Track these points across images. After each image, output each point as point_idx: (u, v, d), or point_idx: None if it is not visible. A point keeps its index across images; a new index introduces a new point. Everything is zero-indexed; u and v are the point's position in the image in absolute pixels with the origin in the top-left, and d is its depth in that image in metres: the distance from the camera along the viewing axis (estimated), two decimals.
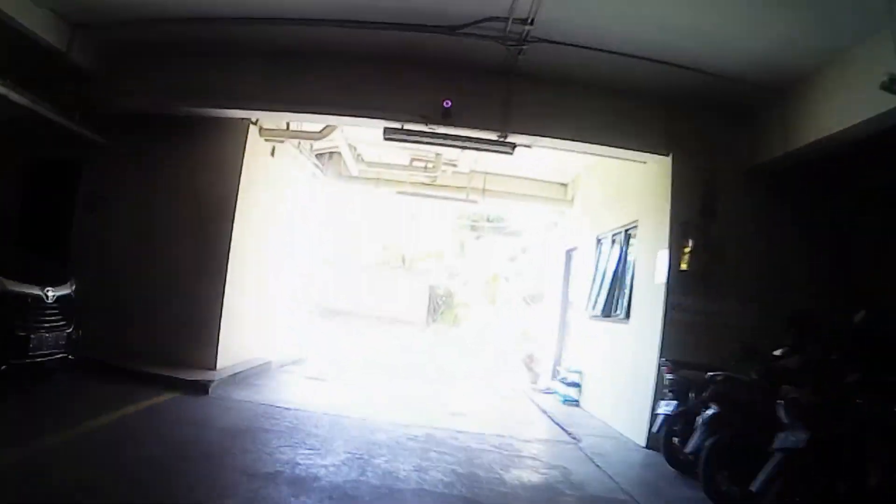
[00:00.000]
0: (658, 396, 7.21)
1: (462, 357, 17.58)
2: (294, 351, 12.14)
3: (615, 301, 9.38)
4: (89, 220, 8.58)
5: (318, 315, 23.53)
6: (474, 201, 12.01)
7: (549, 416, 9.12)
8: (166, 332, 8.22)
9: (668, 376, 6.86)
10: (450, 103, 7.45)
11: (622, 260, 9.46)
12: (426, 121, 7.62)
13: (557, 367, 11.80)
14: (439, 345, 20.56)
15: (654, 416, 6.99)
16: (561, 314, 12.74)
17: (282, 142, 9.42)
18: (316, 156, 11.71)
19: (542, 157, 11.21)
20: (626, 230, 9.38)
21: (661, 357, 7.33)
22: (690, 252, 7.68)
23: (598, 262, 10.51)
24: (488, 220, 25.47)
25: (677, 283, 7.61)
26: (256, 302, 9.87)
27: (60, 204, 8.70)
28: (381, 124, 7.78)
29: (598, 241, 10.61)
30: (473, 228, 24.49)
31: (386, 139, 7.81)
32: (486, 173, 12.20)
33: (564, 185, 13.09)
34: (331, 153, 12.16)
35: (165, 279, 8.37)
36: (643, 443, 7.57)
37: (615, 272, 9.58)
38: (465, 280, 21.97)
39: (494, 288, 18.73)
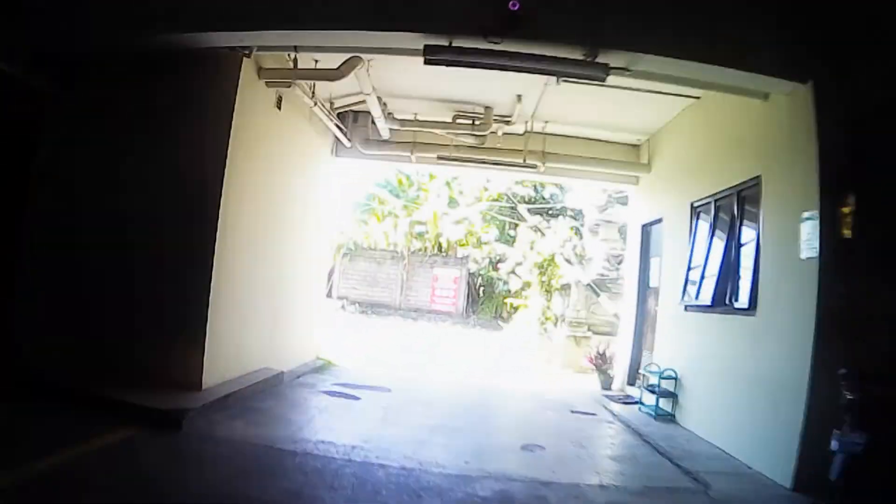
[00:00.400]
0: (812, 418, 5.18)
1: (514, 356, 15.34)
2: (314, 356, 10.19)
3: (730, 286, 7.08)
4: (45, 194, 6.66)
5: (344, 310, 21.78)
6: (533, 166, 9.69)
7: (646, 441, 6.86)
8: (137, 339, 6.21)
9: (849, 395, 4.64)
10: (517, 4, 5.21)
11: (735, 230, 7.17)
12: (484, 33, 5.44)
13: (640, 371, 9.53)
14: (486, 342, 18.36)
15: (830, 452, 4.72)
16: (637, 304, 10.43)
17: (288, 86, 7.26)
18: (338, 115, 9.64)
19: (606, 112, 9.24)
20: (740, 192, 7.10)
21: (816, 360, 5.23)
22: (854, 213, 5.43)
23: (693, 236, 8.23)
24: (531, 201, 23.22)
25: (835, 257, 5.38)
26: (263, 298, 7.82)
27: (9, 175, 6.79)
28: (421, 41, 5.57)
29: (694, 209, 8.29)
30: (524, 208, 22.26)
31: (427, 62, 5.56)
32: (545, 133, 9.93)
33: (636, 146, 10.86)
34: (355, 113, 10.10)
35: (135, 269, 6.35)
36: (788, 482, 5.40)
37: (726, 248, 7.28)
38: (511, 267, 19.70)
39: (550, 274, 16.42)
